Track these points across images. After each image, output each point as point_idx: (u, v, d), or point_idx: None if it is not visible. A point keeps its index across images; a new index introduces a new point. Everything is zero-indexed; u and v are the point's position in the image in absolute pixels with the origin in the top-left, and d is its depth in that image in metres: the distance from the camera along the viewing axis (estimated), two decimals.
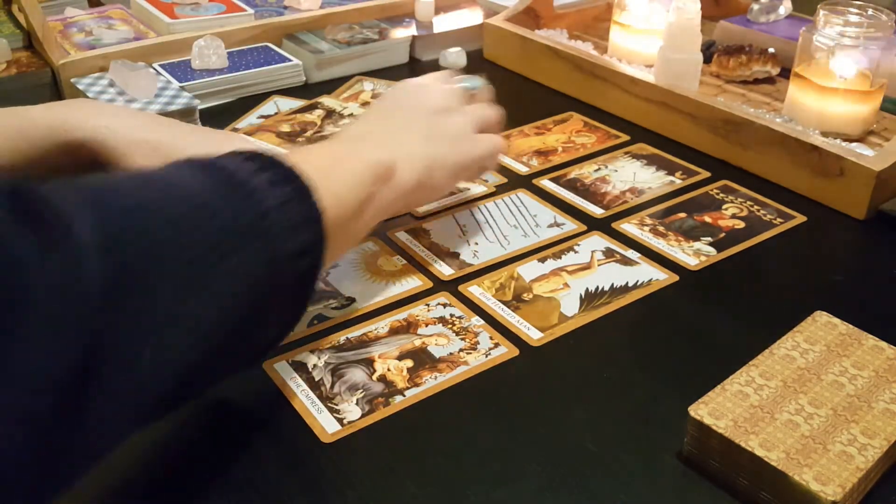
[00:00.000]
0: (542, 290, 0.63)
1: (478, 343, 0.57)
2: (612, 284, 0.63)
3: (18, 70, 0.93)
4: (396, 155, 0.58)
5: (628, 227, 0.71)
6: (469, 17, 1.14)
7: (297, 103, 0.94)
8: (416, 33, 1.07)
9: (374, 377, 0.54)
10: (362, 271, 0.65)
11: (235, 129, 0.87)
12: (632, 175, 0.80)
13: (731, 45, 0.98)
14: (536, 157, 0.83)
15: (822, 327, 0.54)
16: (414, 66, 1.06)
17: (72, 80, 0.91)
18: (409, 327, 0.58)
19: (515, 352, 0.56)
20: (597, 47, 1.03)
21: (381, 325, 0.58)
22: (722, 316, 0.61)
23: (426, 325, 0.59)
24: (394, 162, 0.57)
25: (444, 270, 0.65)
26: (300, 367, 0.54)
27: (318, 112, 0.92)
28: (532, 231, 0.70)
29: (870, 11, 0.82)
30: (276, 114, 0.91)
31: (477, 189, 0.77)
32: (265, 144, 0.57)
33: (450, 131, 0.64)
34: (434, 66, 1.06)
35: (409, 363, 0.55)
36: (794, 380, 0.49)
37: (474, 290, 0.63)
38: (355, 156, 0.56)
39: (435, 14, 1.12)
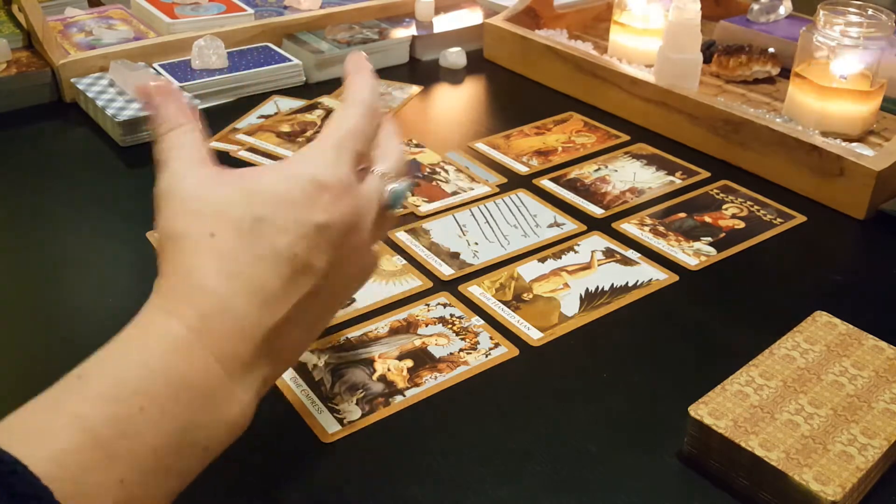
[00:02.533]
0: (542, 290, 0.63)
1: (478, 343, 0.57)
2: (612, 284, 0.63)
3: (18, 70, 0.93)
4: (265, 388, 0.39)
5: (628, 227, 0.71)
6: (469, 17, 1.14)
7: (298, 103, 0.94)
8: (416, 33, 1.07)
9: (374, 377, 0.54)
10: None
11: (235, 129, 0.87)
12: (632, 175, 0.80)
13: (731, 45, 0.98)
14: (536, 157, 0.83)
15: (822, 327, 0.54)
16: (414, 66, 1.06)
17: (72, 80, 0.91)
18: (409, 327, 0.58)
19: (515, 352, 0.56)
20: (597, 47, 1.03)
21: (381, 325, 0.58)
22: (722, 316, 0.61)
23: (426, 325, 0.59)
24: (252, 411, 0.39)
25: (444, 270, 0.65)
26: (300, 367, 0.54)
27: (318, 112, 0.92)
28: (532, 231, 0.70)
29: (870, 11, 0.82)
30: (276, 114, 0.91)
31: (477, 189, 0.77)
32: None
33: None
34: (434, 66, 1.06)
35: (409, 363, 0.55)
36: (794, 380, 0.49)
37: (474, 290, 0.62)
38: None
39: (435, 14, 1.12)
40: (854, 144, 0.80)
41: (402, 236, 0.69)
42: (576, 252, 0.67)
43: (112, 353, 0.35)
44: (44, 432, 0.31)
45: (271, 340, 0.38)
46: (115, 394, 0.33)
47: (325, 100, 0.94)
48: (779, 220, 0.73)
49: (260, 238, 0.37)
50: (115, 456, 0.31)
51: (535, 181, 0.78)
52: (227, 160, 0.82)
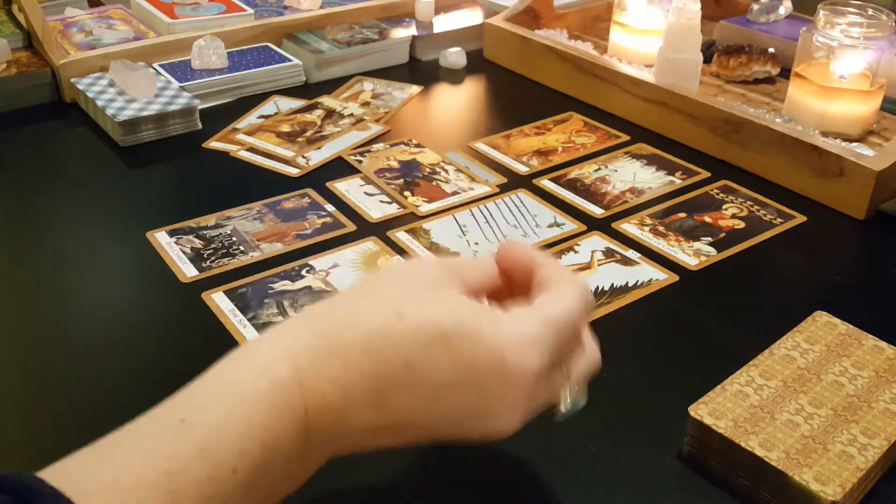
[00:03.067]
0: None
1: None
2: (612, 284, 0.63)
3: (18, 70, 0.93)
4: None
5: (628, 227, 0.71)
6: (469, 17, 1.14)
7: (297, 103, 0.94)
8: (416, 33, 1.07)
9: None
10: (362, 271, 0.65)
11: (235, 129, 0.87)
12: (632, 175, 0.80)
13: (731, 45, 0.98)
14: (536, 157, 0.83)
15: (822, 327, 0.53)
16: (414, 66, 1.06)
17: (72, 79, 0.91)
18: None
19: None
20: (597, 47, 1.03)
21: None
22: (722, 316, 0.61)
23: None
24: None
25: None
26: None
27: (318, 112, 0.92)
28: (532, 231, 0.70)
29: (870, 11, 0.82)
30: (276, 114, 0.91)
31: (477, 189, 0.77)
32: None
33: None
34: (434, 66, 1.06)
35: None
36: (794, 380, 0.49)
37: None
38: None
39: (435, 14, 1.12)
40: (854, 144, 0.80)
41: (401, 236, 0.69)
42: (576, 252, 0.67)
43: (218, 391, 0.34)
44: (132, 490, 0.30)
45: (358, 440, 0.37)
46: (210, 453, 0.32)
47: (325, 100, 0.94)
48: (779, 220, 0.73)
49: (435, 355, 0.35)
50: None
51: (535, 181, 0.78)
52: (227, 160, 0.82)
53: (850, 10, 0.83)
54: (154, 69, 0.94)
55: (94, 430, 0.33)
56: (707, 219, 0.72)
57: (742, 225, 0.72)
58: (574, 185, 0.78)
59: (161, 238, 0.68)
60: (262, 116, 0.91)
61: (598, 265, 0.66)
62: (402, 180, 0.78)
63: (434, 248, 0.67)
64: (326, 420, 0.35)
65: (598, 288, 0.63)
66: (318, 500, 0.45)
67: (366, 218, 0.72)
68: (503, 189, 0.77)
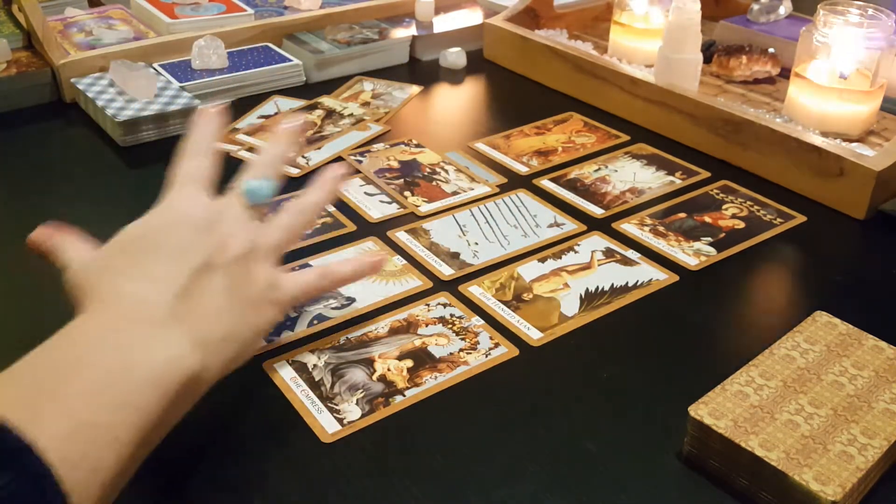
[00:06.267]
0: (542, 290, 0.63)
1: (478, 343, 0.57)
2: (612, 284, 0.63)
3: (18, 70, 0.93)
4: (206, 349, 0.45)
5: (628, 227, 0.71)
6: (469, 17, 1.14)
7: (297, 103, 0.94)
8: (416, 33, 1.07)
9: (374, 377, 0.54)
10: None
11: (235, 129, 0.87)
12: (632, 175, 0.80)
13: (731, 45, 0.98)
14: (536, 157, 0.83)
15: (822, 327, 0.54)
16: (414, 66, 1.07)
17: (72, 80, 0.91)
18: (409, 327, 0.58)
19: (515, 352, 0.56)
20: (597, 47, 1.03)
21: (381, 325, 0.58)
22: (722, 316, 0.61)
23: (426, 325, 0.59)
24: (201, 365, 0.44)
25: (444, 270, 0.65)
26: (300, 367, 0.54)
27: (318, 112, 0.92)
28: (532, 231, 0.70)
29: (870, 11, 0.82)
30: (276, 114, 0.91)
31: (477, 189, 0.77)
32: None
33: (239, 290, 0.48)
34: (434, 66, 1.06)
35: (409, 363, 0.55)
36: (794, 380, 0.49)
37: (474, 290, 0.63)
38: (134, 375, 0.41)
39: (435, 14, 1.12)
40: (854, 144, 0.80)
41: (401, 236, 0.69)
42: (576, 252, 0.67)
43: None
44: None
45: (180, 304, 0.45)
46: (48, 363, 0.42)
47: (325, 100, 0.94)
48: (779, 220, 0.73)
49: (139, 248, 0.48)
50: (60, 398, 0.38)
51: (535, 181, 0.78)
52: (227, 160, 0.82)
53: (850, 9, 0.83)
54: (154, 69, 0.94)
55: None
56: (707, 219, 0.72)
57: (742, 225, 0.72)
58: (574, 185, 0.78)
59: None
60: (262, 117, 0.91)
61: (598, 265, 0.66)
62: (402, 180, 0.78)
63: (434, 248, 0.67)
64: (133, 312, 0.45)
65: (598, 288, 0.63)
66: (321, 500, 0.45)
67: (366, 218, 0.72)
68: (503, 189, 0.77)
